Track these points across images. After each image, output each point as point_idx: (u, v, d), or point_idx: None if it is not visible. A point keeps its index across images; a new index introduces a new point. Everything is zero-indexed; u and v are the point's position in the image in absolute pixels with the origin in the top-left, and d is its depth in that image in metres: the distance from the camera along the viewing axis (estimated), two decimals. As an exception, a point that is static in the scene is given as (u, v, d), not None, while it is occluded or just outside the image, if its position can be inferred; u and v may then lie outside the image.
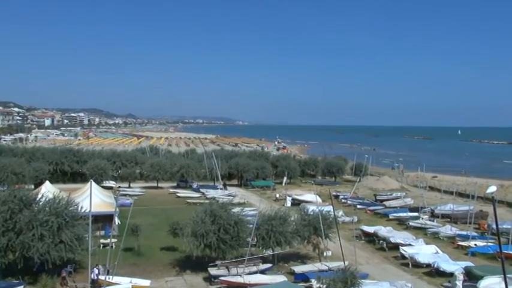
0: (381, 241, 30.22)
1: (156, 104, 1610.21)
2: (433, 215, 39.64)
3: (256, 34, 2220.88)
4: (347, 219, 36.45)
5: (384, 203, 46.60)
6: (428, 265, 24.89)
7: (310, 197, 44.22)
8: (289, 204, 43.99)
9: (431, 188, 58.61)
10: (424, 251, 26.60)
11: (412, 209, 41.79)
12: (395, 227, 34.39)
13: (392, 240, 29.64)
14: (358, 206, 44.08)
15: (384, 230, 31.79)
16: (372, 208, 44.01)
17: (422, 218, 37.35)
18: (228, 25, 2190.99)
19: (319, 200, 41.49)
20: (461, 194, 51.77)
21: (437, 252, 26.60)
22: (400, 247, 27.82)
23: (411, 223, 35.94)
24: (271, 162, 68.16)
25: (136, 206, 26.84)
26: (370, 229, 32.59)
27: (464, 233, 32.07)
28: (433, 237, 32.59)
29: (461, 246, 29.77)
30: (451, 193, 53.16)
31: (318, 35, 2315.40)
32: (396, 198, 48.99)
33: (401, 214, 39.60)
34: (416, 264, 25.41)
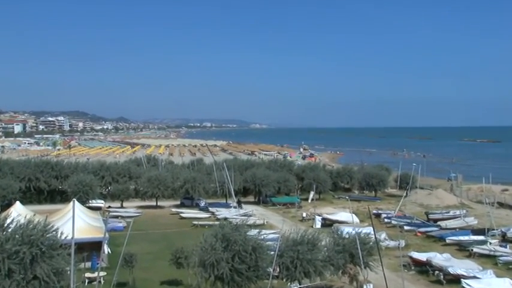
0: (437, 272, 29.74)
1: (153, 104, 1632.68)
2: (504, 239, 39.10)
3: (275, 30, 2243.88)
4: (392, 243, 36.41)
5: (439, 223, 46.24)
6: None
7: (345, 216, 44.45)
8: (318, 225, 44.36)
9: (501, 205, 57.94)
10: (495, 286, 26.09)
11: (476, 231, 41.27)
12: (454, 254, 33.94)
13: (451, 270, 29.08)
14: (406, 227, 43.72)
15: (439, 258, 31.31)
16: (423, 230, 43.63)
17: (490, 243, 36.73)
18: (245, 19, 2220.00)
19: (356, 219, 41.36)
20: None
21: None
22: (463, 280, 27.12)
23: (476, 249, 35.38)
24: (295, 173, 68.86)
25: (131, 230, 26.30)
26: (421, 256, 32.10)
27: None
28: (506, 268, 32.07)
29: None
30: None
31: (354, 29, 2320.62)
32: (454, 217, 48.60)
33: (462, 237, 39.06)
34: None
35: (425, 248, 36.89)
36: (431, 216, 49.56)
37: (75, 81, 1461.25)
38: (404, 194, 58.57)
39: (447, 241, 38.72)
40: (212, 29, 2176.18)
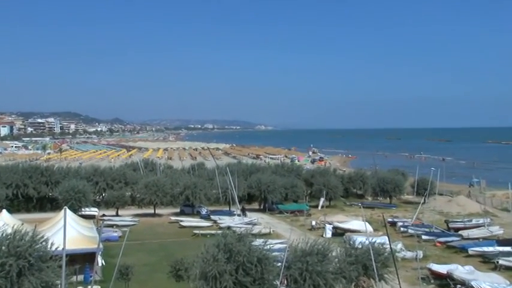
0: (458, 286, 29.57)
1: (151, 105, 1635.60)
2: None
3: (283, 23, 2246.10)
4: (409, 254, 36.40)
5: (460, 232, 46.00)
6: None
7: (358, 225, 44.62)
8: (329, 234, 44.53)
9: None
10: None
11: (502, 242, 40.83)
12: (477, 267, 33.69)
13: (474, 285, 28.76)
14: (424, 237, 43.73)
15: (461, 271, 31.08)
16: (443, 239, 43.55)
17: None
18: (250, 12, 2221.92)
19: (370, 228, 41.66)
20: None
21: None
22: (487, 295, 27.27)
23: (502, 261, 35.07)
24: (304, 178, 69.08)
25: (127, 240, 26.32)
26: (441, 268, 32.01)
27: None
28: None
29: None
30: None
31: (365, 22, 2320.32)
32: (477, 226, 48.18)
33: (486, 248, 38.65)
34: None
35: (445, 259, 36.78)
36: (451, 225, 49.33)
37: (66, 80, 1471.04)
38: (422, 201, 58.20)
39: (470, 252, 38.32)
40: (214, 24, 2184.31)
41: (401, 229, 47.63)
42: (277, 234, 44.98)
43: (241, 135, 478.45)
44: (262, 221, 51.94)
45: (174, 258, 30.07)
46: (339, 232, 44.53)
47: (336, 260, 26.10)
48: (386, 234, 27.63)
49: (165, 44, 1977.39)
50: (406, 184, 72.11)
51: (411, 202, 66.15)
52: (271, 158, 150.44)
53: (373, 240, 27.96)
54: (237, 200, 54.96)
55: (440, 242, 42.83)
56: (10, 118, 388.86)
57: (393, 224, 50.01)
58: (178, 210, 59.03)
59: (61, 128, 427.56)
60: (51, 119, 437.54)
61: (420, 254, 35.64)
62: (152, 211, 58.39)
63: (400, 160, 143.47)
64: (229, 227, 41.25)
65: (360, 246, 27.20)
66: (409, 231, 45.64)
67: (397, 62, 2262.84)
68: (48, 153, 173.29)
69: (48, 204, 57.80)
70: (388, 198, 68.89)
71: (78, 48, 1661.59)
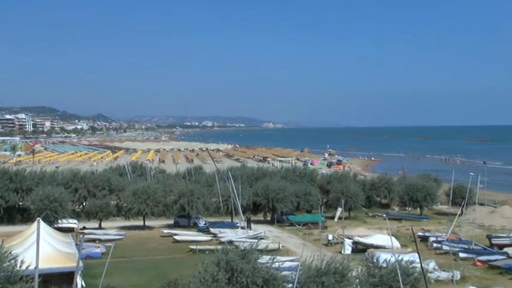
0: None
1: (140, 99, 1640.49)
2: None
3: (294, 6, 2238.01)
4: (443, 275, 36.27)
5: (505, 250, 45.66)
6: None
7: (382, 240, 44.70)
8: (348, 250, 44.75)
9: None
10: None
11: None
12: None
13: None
14: (461, 255, 43.64)
15: (507, 295, 31.21)
16: (484, 258, 43.20)
17: None
18: None
19: (397, 244, 41.62)
20: None
21: None
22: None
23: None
24: (319, 185, 69.63)
25: (112, 257, 26.94)
26: (483, 292, 32.12)
27: None
28: None
29: None
30: None
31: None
32: (527, 242, 48.08)
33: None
34: None
35: (487, 281, 36.55)
36: (495, 241, 48.93)
37: (41, 70, 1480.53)
38: (459, 212, 57.95)
39: (517, 273, 38.38)
40: (214, 4, 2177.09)
41: (434, 245, 47.51)
42: (287, 250, 45.13)
43: (246, 135, 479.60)
44: (269, 235, 52.09)
45: (166, 278, 30.34)
46: (360, 248, 44.65)
47: (357, 280, 26.11)
48: (416, 250, 27.79)
49: (157, 27, 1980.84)
50: (440, 192, 71.74)
51: (446, 213, 64.92)
52: (280, 160, 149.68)
53: (401, 258, 27.90)
54: (240, 210, 54.94)
55: (481, 261, 42.43)
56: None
57: (424, 238, 49.97)
58: (172, 222, 59.23)
59: (34, 125, 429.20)
60: (21, 115, 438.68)
61: (457, 275, 35.58)
62: (141, 223, 58.34)
63: (434, 164, 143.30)
64: (231, 242, 41.42)
65: (385, 265, 27.09)
66: (444, 247, 45.28)
67: (432, 47, 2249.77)
68: (19, 155, 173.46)
69: (18, 215, 57.85)
70: (418, 209, 68.64)
71: (55, 34, 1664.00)
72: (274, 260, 26.48)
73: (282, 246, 46.32)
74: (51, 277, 27.78)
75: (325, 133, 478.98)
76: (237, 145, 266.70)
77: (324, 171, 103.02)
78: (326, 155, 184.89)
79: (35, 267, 20.70)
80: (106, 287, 27.70)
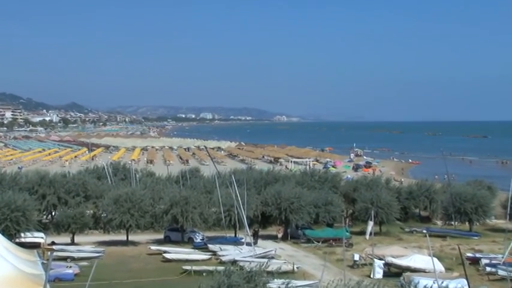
0: None
1: (123, 86, 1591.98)
2: None
3: None
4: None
5: None
6: None
7: (422, 262, 43.17)
8: (379, 274, 43.06)
9: None
10: None
11: None
12: None
13: None
14: (520, 281, 41.63)
15: None
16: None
17: None
18: None
19: (440, 267, 40.67)
20: None
21: None
22: None
23: None
24: (343, 192, 68.16)
25: (88, 280, 25.82)
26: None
27: None
28: None
29: None
30: None
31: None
32: None
33: None
34: None
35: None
36: None
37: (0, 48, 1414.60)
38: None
39: None
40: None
41: (487, 269, 44.74)
42: (303, 272, 43.58)
43: (254, 130, 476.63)
44: (282, 253, 50.19)
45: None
46: (393, 271, 43.38)
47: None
48: (465, 275, 28.77)
49: (147, 1, 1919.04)
50: (495, 203, 67.89)
51: (502, 229, 61.23)
52: (295, 162, 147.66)
53: (445, 285, 28.63)
54: (246, 223, 52.68)
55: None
56: None
57: (475, 261, 46.82)
58: (161, 236, 57.57)
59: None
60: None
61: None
62: (124, 238, 56.24)
63: (486, 168, 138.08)
64: (234, 262, 41.79)
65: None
66: (499, 272, 42.82)
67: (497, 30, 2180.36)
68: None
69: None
70: (467, 224, 64.89)
71: (18, 5, 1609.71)
72: (288, 285, 27.09)
73: (297, 268, 44.49)
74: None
75: (350, 129, 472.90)
76: (243, 143, 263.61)
77: (349, 176, 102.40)
78: (352, 156, 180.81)
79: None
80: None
